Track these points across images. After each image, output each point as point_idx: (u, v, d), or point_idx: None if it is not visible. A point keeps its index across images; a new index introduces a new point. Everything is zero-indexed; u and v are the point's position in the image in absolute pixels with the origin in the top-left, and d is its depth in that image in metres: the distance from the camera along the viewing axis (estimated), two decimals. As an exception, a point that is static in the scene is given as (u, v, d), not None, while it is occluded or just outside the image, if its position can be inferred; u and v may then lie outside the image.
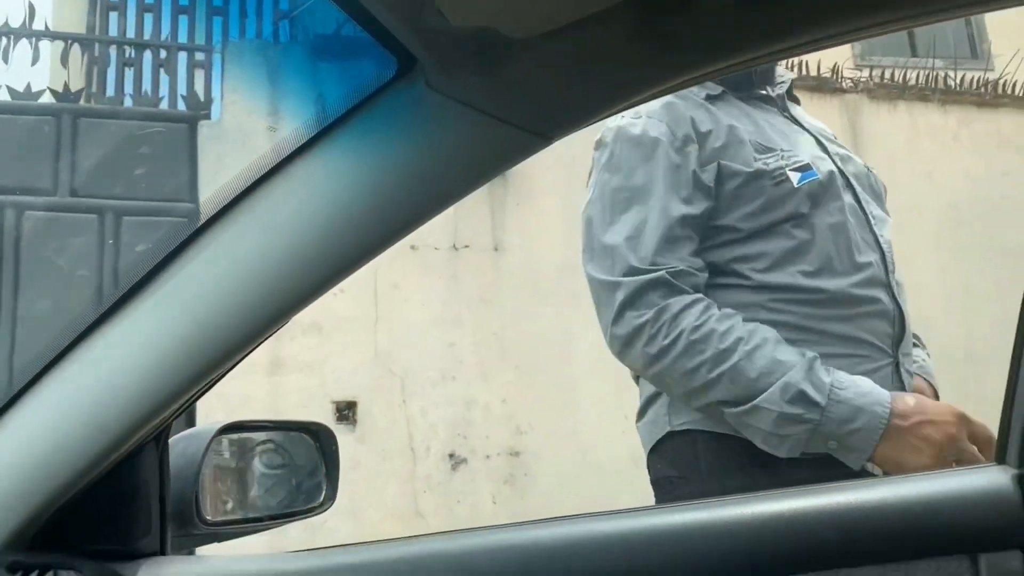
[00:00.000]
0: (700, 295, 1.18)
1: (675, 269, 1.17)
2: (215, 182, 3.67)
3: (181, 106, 3.63)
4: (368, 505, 3.25)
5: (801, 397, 1.09)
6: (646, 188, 1.21)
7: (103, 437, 0.72)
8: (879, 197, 1.36)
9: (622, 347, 1.21)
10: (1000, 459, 0.79)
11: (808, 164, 1.24)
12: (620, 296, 1.19)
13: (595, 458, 3.62)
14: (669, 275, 1.16)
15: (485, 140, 0.62)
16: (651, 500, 1.32)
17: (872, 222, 1.29)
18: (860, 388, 1.11)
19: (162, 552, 0.84)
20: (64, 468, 0.73)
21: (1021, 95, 4.89)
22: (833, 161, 1.30)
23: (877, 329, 1.23)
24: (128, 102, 3.58)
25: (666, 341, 1.14)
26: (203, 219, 0.69)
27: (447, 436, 3.63)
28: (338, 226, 0.66)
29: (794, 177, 1.22)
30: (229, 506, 0.96)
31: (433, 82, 0.61)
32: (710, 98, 1.28)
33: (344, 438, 3.54)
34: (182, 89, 3.67)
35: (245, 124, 3.67)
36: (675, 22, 0.58)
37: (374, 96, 0.64)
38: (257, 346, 0.73)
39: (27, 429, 0.74)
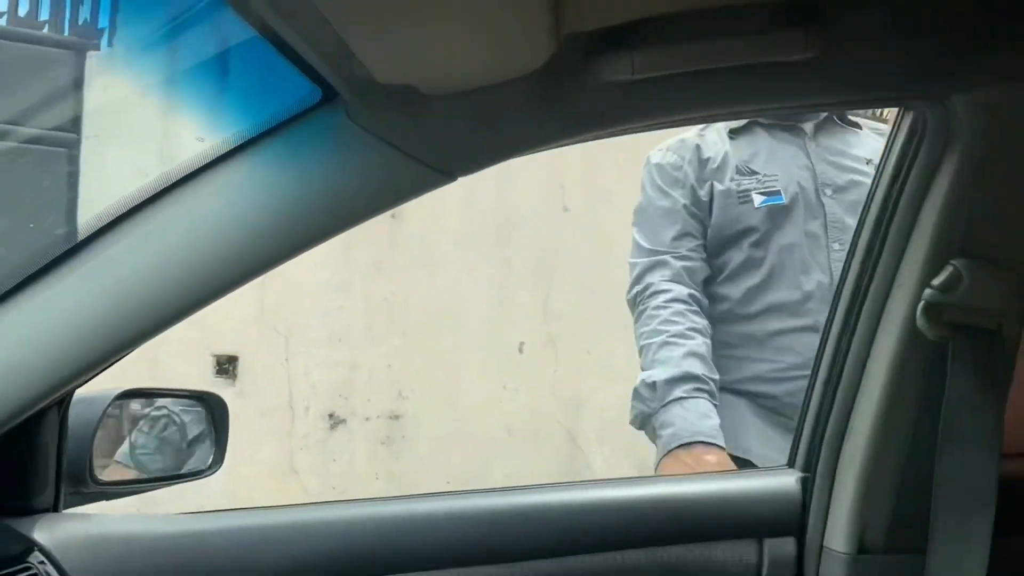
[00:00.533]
0: (677, 287, 1.45)
1: (677, 253, 1.47)
2: (100, 114, 3.49)
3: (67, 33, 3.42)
4: (243, 460, 3.26)
5: (652, 388, 1.38)
6: (659, 204, 1.52)
7: (7, 402, 0.76)
8: None
9: (630, 306, 1.53)
10: (790, 463, 0.97)
11: (778, 190, 1.44)
12: (633, 272, 1.53)
13: (471, 426, 3.76)
14: (671, 257, 1.46)
15: (394, 173, 0.70)
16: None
17: (831, 247, 1.44)
18: (690, 414, 1.35)
19: (55, 509, 0.89)
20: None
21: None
22: (819, 193, 1.46)
23: (810, 345, 1.40)
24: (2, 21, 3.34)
25: (640, 308, 1.48)
26: (126, 208, 0.73)
27: (328, 397, 3.67)
28: (250, 232, 0.72)
29: (757, 199, 1.43)
30: (120, 467, 1.00)
31: (353, 114, 0.69)
32: (732, 131, 1.50)
33: (223, 391, 3.52)
34: (69, 14, 3.45)
35: (136, 60, 3.51)
36: (567, 94, 0.68)
37: (297, 118, 0.71)
38: (161, 332, 0.79)
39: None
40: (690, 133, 1.53)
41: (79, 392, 0.91)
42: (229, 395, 3.53)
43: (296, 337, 3.55)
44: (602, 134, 0.73)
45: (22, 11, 3.56)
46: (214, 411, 1.08)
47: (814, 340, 1.32)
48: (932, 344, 0.79)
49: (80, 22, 3.39)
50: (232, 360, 3.48)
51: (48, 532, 0.84)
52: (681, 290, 1.45)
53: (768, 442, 1.43)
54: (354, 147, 0.70)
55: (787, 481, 0.94)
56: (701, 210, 1.49)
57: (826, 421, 0.91)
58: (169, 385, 1.18)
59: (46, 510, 0.88)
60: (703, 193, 1.48)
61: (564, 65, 0.65)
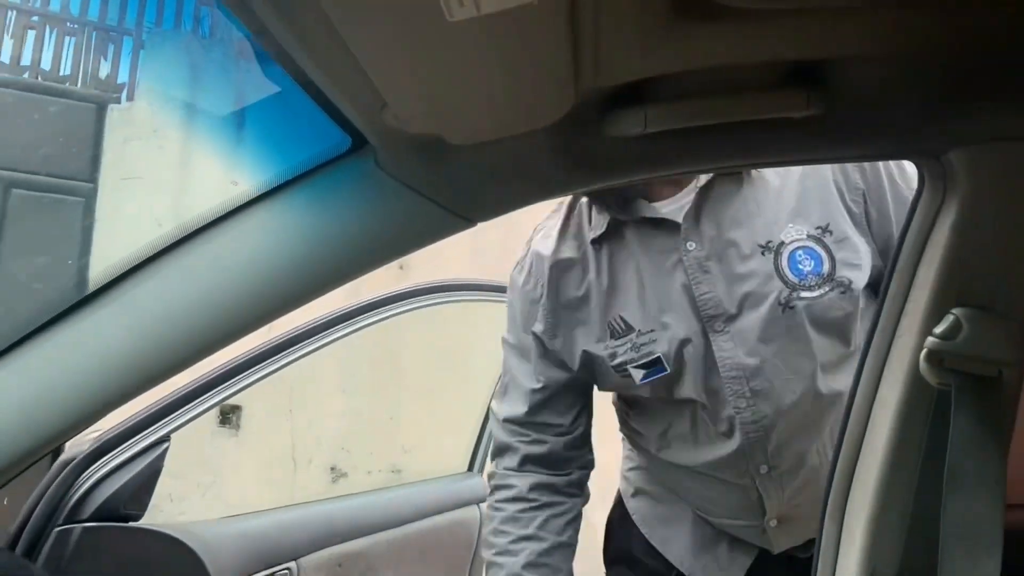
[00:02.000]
0: (520, 481, 1.24)
1: (526, 437, 1.25)
2: (119, 165, 3.57)
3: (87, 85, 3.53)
4: (247, 510, 3.23)
5: None
6: (516, 356, 1.26)
7: (29, 438, 0.78)
8: (826, 325, 1.11)
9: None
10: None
11: (659, 357, 1.13)
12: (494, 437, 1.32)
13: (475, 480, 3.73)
14: (519, 442, 1.25)
15: (418, 217, 0.74)
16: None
17: (732, 402, 1.12)
18: None
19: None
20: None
21: None
22: (707, 333, 1.11)
23: (731, 502, 1.20)
24: (37, 78, 3.45)
25: (488, 496, 1.29)
26: (163, 246, 0.77)
27: (331, 449, 3.65)
28: (281, 270, 0.76)
29: (637, 375, 1.15)
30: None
31: (381, 162, 0.73)
32: (595, 241, 1.18)
33: (226, 442, 3.50)
34: (91, 68, 3.57)
35: (157, 114, 3.62)
36: (583, 145, 0.72)
37: (328, 164, 0.75)
38: (192, 364, 0.81)
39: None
40: (547, 242, 1.21)
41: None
42: (232, 444, 3.52)
43: (300, 388, 3.56)
44: (614, 182, 0.76)
45: (45, 65, 3.68)
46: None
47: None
48: (935, 391, 0.81)
49: (103, 77, 3.50)
50: (235, 410, 3.48)
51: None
52: (523, 485, 1.23)
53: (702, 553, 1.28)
54: (381, 192, 0.74)
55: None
56: (568, 368, 1.21)
57: (833, 468, 0.93)
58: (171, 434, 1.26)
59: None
60: (570, 353, 1.20)
61: (581, 118, 0.69)
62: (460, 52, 0.55)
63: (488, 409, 2.15)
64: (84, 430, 0.83)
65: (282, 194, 0.75)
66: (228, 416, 3.47)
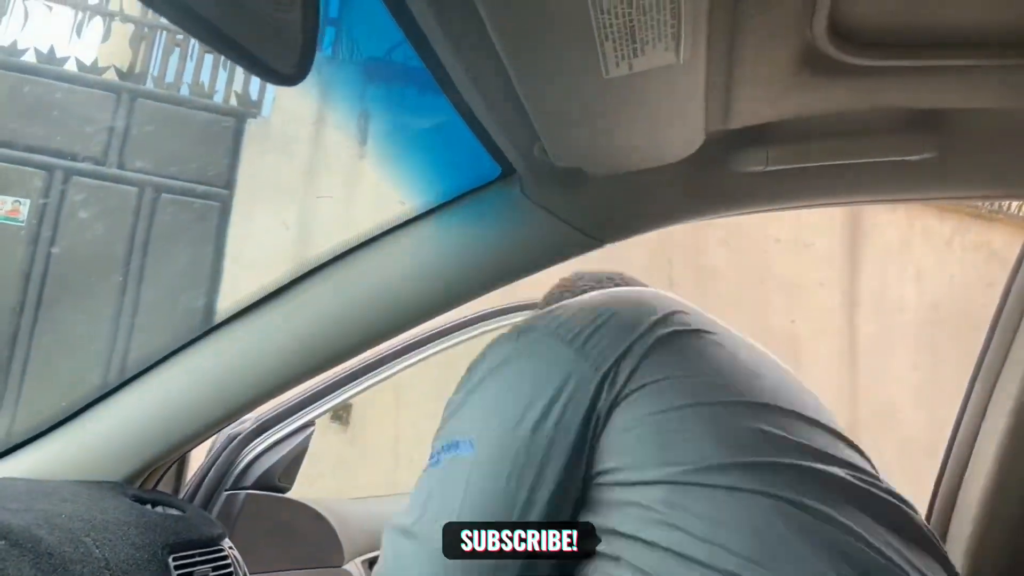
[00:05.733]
0: None
1: None
2: (254, 174, 3.87)
3: (233, 101, 3.85)
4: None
5: None
6: None
7: (221, 410, 0.92)
8: None
9: None
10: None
11: None
12: None
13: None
14: None
15: (555, 238, 0.83)
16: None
17: None
18: None
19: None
20: (183, 428, 0.93)
21: (1015, 213, 5.17)
22: None
23: None
24: (184, 91, 3.80)
25: None
26: (334, 255, 0.90)
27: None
28: (435, 280, 0.87)
29: None
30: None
31: (527, 189, 0.83)
32: None
33: (336, 438, 3.72)
34: (237, 86, 3.89)
35: (290, 127, 3.89)
36: (708, 178, 0.80)
37: (479, 189, 0.86)
38: (353, 357, 0.94)
39: (162, 393, 0.93)
40: None
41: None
42: (341, 440, 3.73)
43: (406, 389, 3.73)
44: (735, 213, 0.84)
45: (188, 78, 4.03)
46: (303, 438, 1.26)
47: None
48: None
49: (241, 91, 3.81)
50: (347, 408, 3.69)
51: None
52: None
53: None
54: (524, 216, 0.84)
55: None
56: None
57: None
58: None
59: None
60: None
61: (708, 155, 0.77)
62: (611, 99, 0.65)
63: None
64: (258, 407, 0.97)
65: (438, 214, 0.87)
66: (339, 413, 3.68)
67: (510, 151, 0.79)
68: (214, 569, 0.82)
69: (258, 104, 3.82)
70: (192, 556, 0.80)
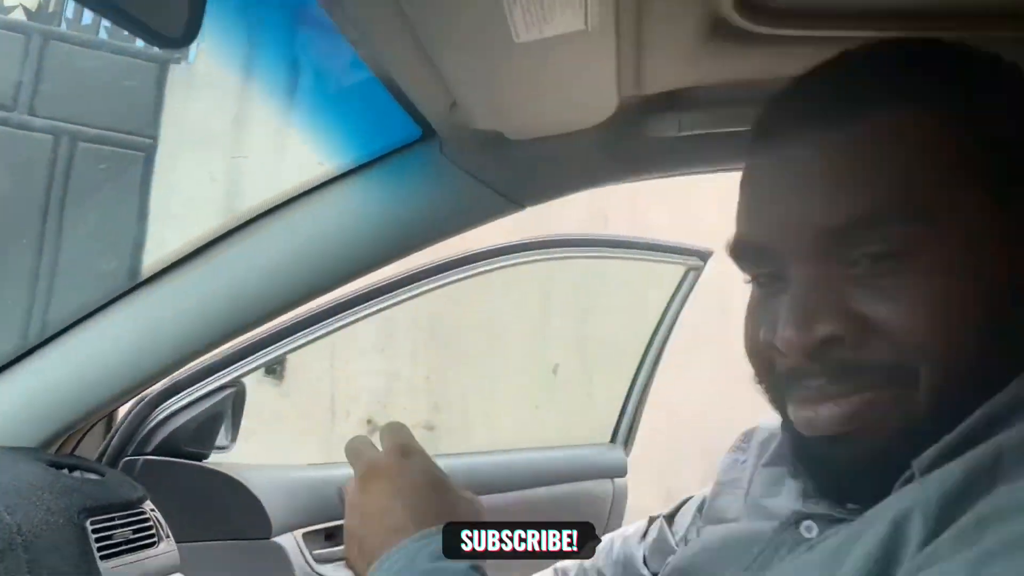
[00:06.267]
0: None
1: None
2: (178, 123, 3.73)
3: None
4: (285, 457, 3.42)
5: None
6: None
7: (139, 374, 0.91)
8: None
9: None
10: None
11: None
12: None
13: (503, 442, 3.88)
14: None
15: (476, 201, 0.84)
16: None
17: None
18: None
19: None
20: (101, 393, 0.92)
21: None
22: None
23: None
24: (103, 34, 3.60)
25: None
26: (252, 215, 0.88)
27: (368, 403, 3.82)
28: (355, 242, 0.87)
29: None
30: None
31: (446, 151, 0.83)
32: None
33: (270, 392, 3.69)
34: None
35: (216, 75, 3.75)
36: (624, 143, 0.82)
37: (400, 150, 0.86)
38: (272, 320, 0.93)
39: (71, 361, 0.91)
40: None
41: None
42: (275, 395, 3.70)
43: (343, 344, 3.72)
44: (652, 177, 0.86)
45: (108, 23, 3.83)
46: (237, 396, 1.25)
47: None
48: None
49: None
50: (280, 362, 3.66)
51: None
52: None
53: None
54: (445, 178, 0.84)
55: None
56: None
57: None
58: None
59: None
60: None
61: (622, 121, 0.78)
62: (523, 64, 0.65)
63: (636, 377, 1.96)
64: (175, 372, 0.96)
65: (356, 176, 0.86)
66: (273, 368, 3.65)
67: (429, 112, 0.78)
68: (134, 532, 0.82)
69: (183, 50, 3.65)
70: (111, 519, 0.80)
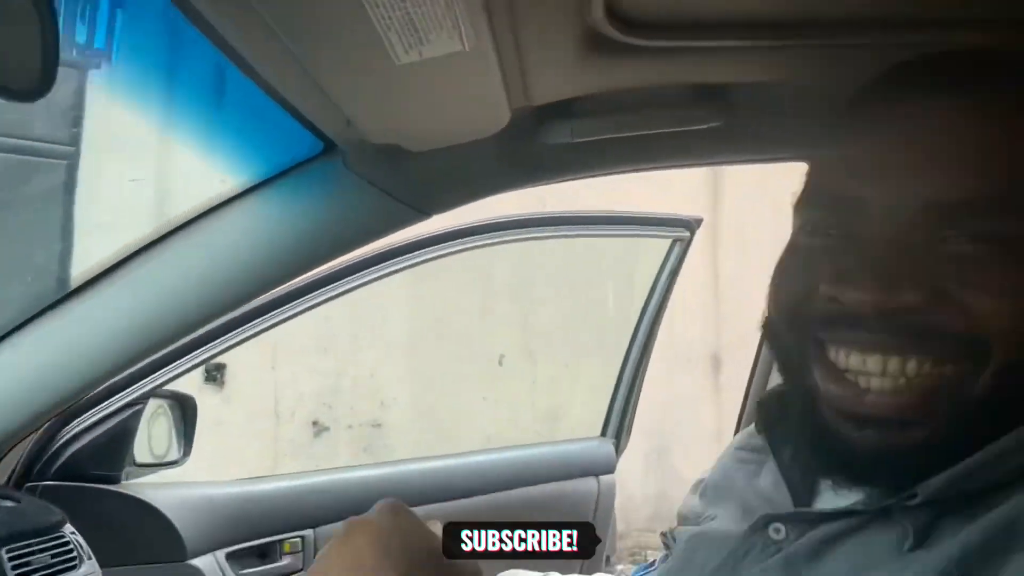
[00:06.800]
0: None
1: None
2: (100, 129, 3.63)
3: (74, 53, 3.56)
4: (230, 463, 3.38)
5: None
6: None
7: (52, 396, 0.91)
8: None
9: None
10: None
11: None
12: None
13: (451, 435, 3.90)
14: None
15: (382, 211, 0.86)
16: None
17: None
18: None
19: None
20: (13, 417, 0.91)
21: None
22: None
23: None
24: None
25: None
26: (155, 236, 0.89)
27: (313, 404, 3.81)
28: (261, 258, 0.88)
29: None
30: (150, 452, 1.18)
31: (349, 163, 0.85)
32: None
33: (211, 399, 3.64)
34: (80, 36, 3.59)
35: (137, 79, 3.65)
36: (520, 151, 0.85)
37: (303, 164, 0.87)
38: (176, 342, 0.94)
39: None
40: None
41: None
42: (216, 401, 3.66)
43: (283, 346, 3.69)
44: (551, 182, 0.89)
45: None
46: (186, 410, 1.25)
47: None
48: None
49: (82, 42, 3.53)
50: (220, 368, 3.61)
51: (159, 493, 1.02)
52: None
53: None
54: (350, 190, 0.86)
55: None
56: None
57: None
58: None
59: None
60: None
61: (518, 129, 0.81)
62: (408, 83, 0.67)
63: (624, 369, 1.82)
64: (86, 396, 0.96)
65: (262, 190, 0.87)
66: (212, 374, 3.60)
67: (327, 129, 0.80)
68: (53, 556, 0.82)
69: (105, 53, 3.55)
70: (29, 546, 0.80)
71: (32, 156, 3.58)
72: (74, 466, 1.14)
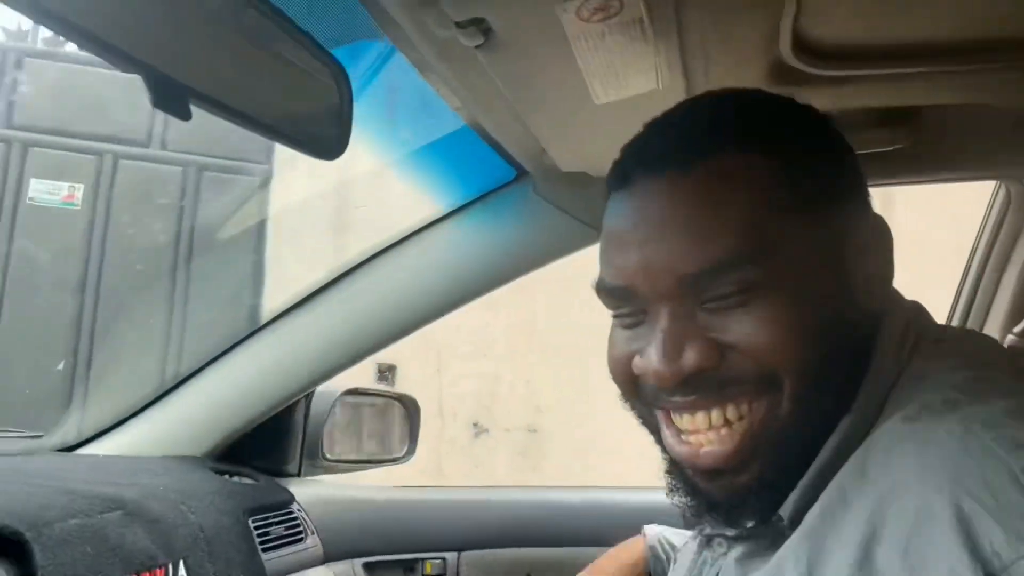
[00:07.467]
0: None
1: None
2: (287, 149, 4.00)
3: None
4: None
5: None
6: None
7: (283, 391, 1.05)
8: None
9: None
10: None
11: None
12: None
13: (606, 443, 3.94)
14: None
15: (566, 232, 0.94)
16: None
17: None
18: None
19: (298, 475, 1.18)
20: (251, 408, 1.07)
21: None
22: None
23: None
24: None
25: None
26: (366, 256, 1.01)
27: (473, 406, 3.98)
28: (456, 276, 0.98)
29: None
30: (341, 448, 1.28)
31: (539, 189, 0.93)
32: None
33: (381, 397, 3.91)
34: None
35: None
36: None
37: (495, 191, 0.96)
38: (383, 348, 1.06)
39: (231, 378, 1.07)
40: None
41: (318, 388, 1.20)
42: (387, 400, 3.86)
43: (446, 350, 3.89)
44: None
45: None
46: (409, 410, 1.35)
47: None
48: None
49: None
50: (391, 368, 3.87)
51: (297, 490, 1.13)
52: None
53: None
54: (538, 214, 0.94)
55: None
56: None
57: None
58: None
59: (292, 475, 1.17)
60: None
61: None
62: (603, 119, 0.74)
63: None
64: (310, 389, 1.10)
65: (459, 215, 0.97)
66: (384, 374, 3.86)
67: (521, 157, 0.88)
68: (286, 529, 0.96)
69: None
70: (267, 518, 0.94)
71: (235, 175, 4.01)
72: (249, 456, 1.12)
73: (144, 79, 0.37)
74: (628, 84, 0.68)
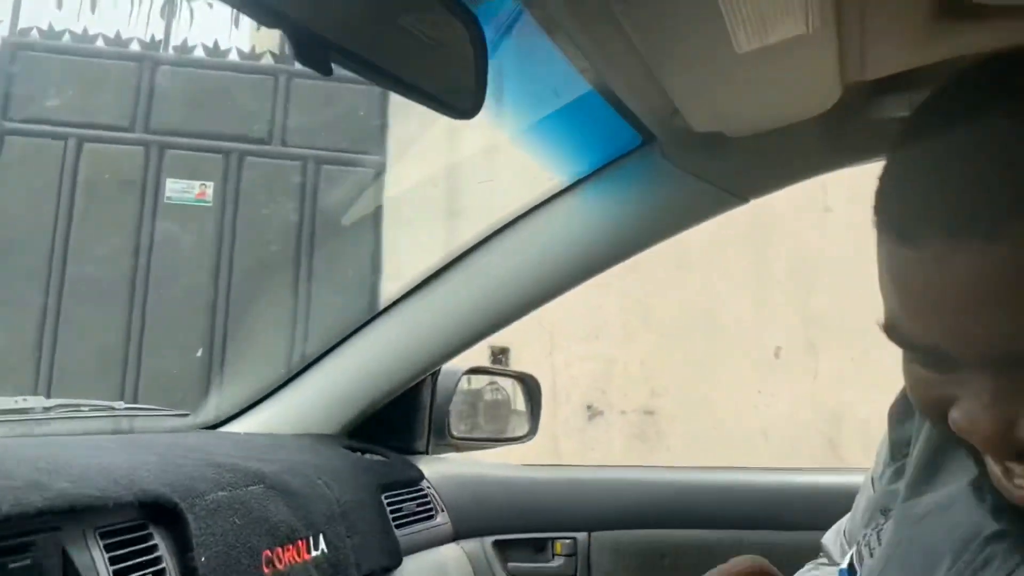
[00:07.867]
0: None
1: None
2: (403, 140, 4.09)
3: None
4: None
5: None
6: None
7: (411, 369, 1.06)
8: None
9: None
10: None
11: None
12: None
13: (726, 428, 3.82)
14: None
15: (699, 199, 0.88)
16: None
17: None
18: None
19: (426, 452, 1.19)
20: (380, 387, 1.08)
21: None
22: None
23: None
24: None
25: None
26: (491, 231, 0.99)
27: (587, 388, 3.94)
28: (585, 247, 0.95)
29: None
30: (465, 426, 1.28)
31: (667, 154, 0.88)
32: None
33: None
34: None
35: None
36: (847, 128, 0.82)
37: (622, 158, 0.92)
38: (511, 323, 1.04)
39: (359, 359, 1.08)
40: None
41: (443, 367, 1.19)
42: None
43: (559, 332, 3.87)
44: (878, 160, 0.85)
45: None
46: (531, 389, 1.33)
47: None
48: None
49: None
50: (504, 351, 3.89)
51: (425, 468, 1.13)
52: None
53: None
54: (667, 180, 0.89)
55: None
56: None
57: None
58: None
59: (420, 453, 1.18)
60: None
61: (847, 106, 0.78)
62: (744, 70, 0.69)
63: None
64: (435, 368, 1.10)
65: (583, 185, 0.94)
66: (498, 356, 3.89)
67: (649, 120, 0.84)
68: (418, 505, 0.96)
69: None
70: (399, 495, 0.95)
71: (351, 167, 4.14)
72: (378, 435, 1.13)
73: (287, 34, 0.37)
74: (775, 28, 0.62)
